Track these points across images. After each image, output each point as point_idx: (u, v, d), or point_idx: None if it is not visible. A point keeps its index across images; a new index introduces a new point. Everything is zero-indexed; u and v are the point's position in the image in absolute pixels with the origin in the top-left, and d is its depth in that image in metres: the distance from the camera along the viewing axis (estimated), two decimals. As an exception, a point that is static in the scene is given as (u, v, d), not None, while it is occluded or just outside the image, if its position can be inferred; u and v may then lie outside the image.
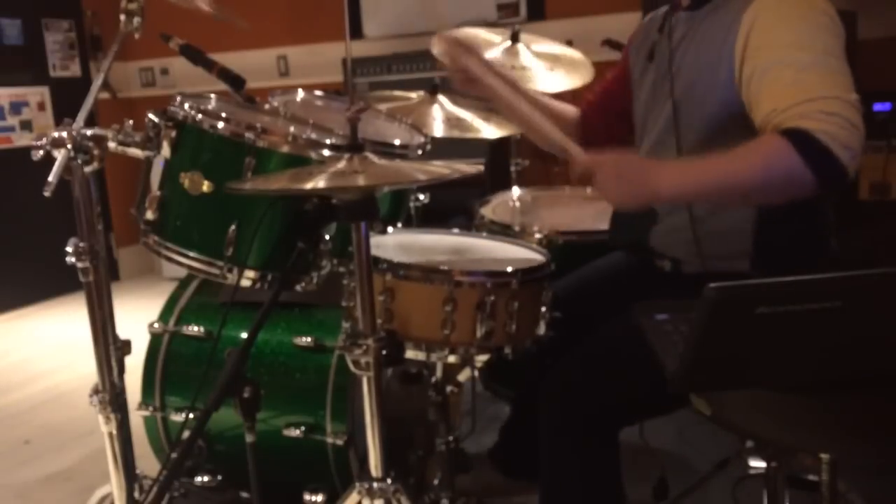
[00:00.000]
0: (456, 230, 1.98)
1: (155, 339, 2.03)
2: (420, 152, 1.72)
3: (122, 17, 1.55)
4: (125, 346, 1.62)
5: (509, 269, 1.56)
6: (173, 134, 1.49)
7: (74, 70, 4.80)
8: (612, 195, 1.37)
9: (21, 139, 4.47)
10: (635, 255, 1.70)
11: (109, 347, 1.58)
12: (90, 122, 1.51)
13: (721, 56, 1.43)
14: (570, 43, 2.57)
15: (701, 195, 1.39)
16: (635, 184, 1.33)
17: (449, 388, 1.83)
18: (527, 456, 1.61)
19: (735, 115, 1.41)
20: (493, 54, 2.24)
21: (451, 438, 1.84)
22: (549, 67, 2.34)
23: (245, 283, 1.51)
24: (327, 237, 1.51)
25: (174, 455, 1.64)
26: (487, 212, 2.39)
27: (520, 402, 2.12)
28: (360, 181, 1.27)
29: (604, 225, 2.15)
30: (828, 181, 1.25)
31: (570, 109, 1.90)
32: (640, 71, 1.69)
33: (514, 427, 2.14)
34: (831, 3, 1.38)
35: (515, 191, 2.69)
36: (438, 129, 2.23)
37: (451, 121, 2.28)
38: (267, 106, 1.76)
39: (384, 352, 1.40)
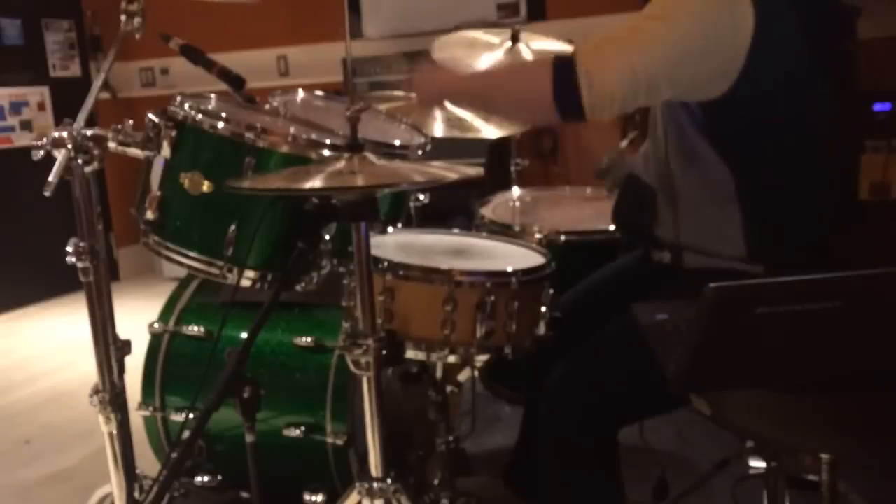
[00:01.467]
0: (456, 230, 1.98)
1: (155, 339, 2.03)
2: (420, 152, 1.72)
3: (123, 17, 1.55)
4: (125, 346, 1.62)
5: (509, 269, 1.56)
6: (173, 134, 1.49)
7: (74, 70, 4.80)
8: (418, 93, 1.67)
9: (21, 139, 4.47)
10: (638, 244, 1.70)
11: (109, 347, 1.58)
12: (90, 122, 1.51)
13: None
14: (570, 43, 2.57)
15: (471, 97, 1.60)
16: (436, 85, 1.63)
17: (449, 388, 1.83)
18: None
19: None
20: (493, 56, 2.24)
21: (451, 438, 1.84)
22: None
23: (245, 283, 1.51)
24: (327, 237, 1.50)
25: (174, 455, 1.64)
26: (487, 212, 2.39)
27: (527, 420, 2.08)
28: (360, 181, 1.27)
29: (604, 225, 2.16)
30: (562, 110, 1.36)
31: None
32: None
33: (525, 446, 2.10)
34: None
35: (515, 191, 2.69)
36: (438, 129, 2.23)
37: (451, 121, 2.28)
38: (267, 106, 1.76)
39: (384, 352, 1.40)
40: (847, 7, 1.54)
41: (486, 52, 2.22)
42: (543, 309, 1.61)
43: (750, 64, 1.35)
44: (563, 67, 1.35)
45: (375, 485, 1.45)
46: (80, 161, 1.47)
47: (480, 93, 1.55)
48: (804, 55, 1.43)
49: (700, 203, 1.50)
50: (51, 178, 1.40)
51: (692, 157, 1.48)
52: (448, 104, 2.01)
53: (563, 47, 2.48)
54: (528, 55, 2.37)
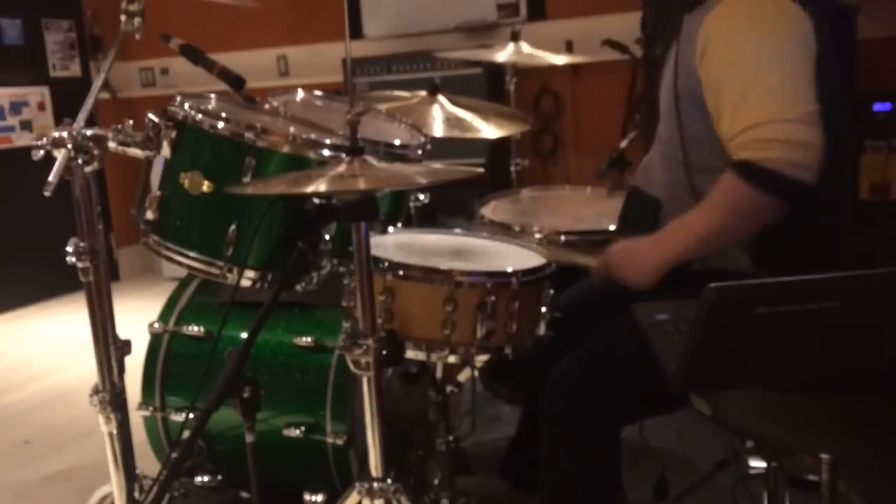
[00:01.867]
0: (456, 230, 1.98)
1: (155, 339, 2.03)
2: (420, 152, 1.72)
3: (123, 17, 1.55)
4: (125, 346, 1.62)
5: (509, 269, 1.56)
6: (173, 134, 1.49)
7: (74, 70, 4.80)
8: (632, 282, 1.48)
9: (21, 139, 4.47)
10: None
11: (109, 347, 1.58)
12: (90, 122, 1.51)
13: (689, 70, 1.48)
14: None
15: (692, 253, 1.48)
16: (640, 267, 1.48)
17: (449, 388, 1.83)
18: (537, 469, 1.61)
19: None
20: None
21: (451, 438, 1.84)
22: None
23: (245, 283, 1.51)
24: (327, 237, 1.50)
25: (174, 455, 1.64)
26: (487, 212, 2.39)
27: (525, 414, 2.09)
28: (360, 184, 1.27)
29: (604, 225, 2.15)
30: (788, 199, 1.33)
31: None
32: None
33: (522, 440, 2.12)
34: (791, 5, 1.39)
35: (515, 191, 2.69)
36: (438, 129, 2.23)
37: (451, 121, 2.28)
38: (267, 106, 1.76)
39: (384, 352, 1.40)
40: (846, 7, 1.54)
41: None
42: (543, 309, 1.61)
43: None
44: (746, 173, 1.32)
45: (375, 485, 1.45)
46: (80, 161, 1.47)
47: (692, 254, 1.48)
48: (833, 52, 1.44)
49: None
50: (51, 178, 1.40)
51: (705, 164, 1.48)
52: None
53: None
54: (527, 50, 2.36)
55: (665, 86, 1.61)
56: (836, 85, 1.45)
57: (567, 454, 1.51)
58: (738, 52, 1.39)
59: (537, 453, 1.56)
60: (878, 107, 2.92)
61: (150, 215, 1.52)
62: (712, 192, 1.39)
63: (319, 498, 1.81)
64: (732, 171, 1.34)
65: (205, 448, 1.93)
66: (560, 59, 2.85)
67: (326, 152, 1.47)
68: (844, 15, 1.55)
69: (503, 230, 2.17)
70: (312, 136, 1.51)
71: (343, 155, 1.35)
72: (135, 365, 1.81)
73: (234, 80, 1.68)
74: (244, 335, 1.64)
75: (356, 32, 4.22)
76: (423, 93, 2.36)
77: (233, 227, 1.46)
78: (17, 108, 4.49)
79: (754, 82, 1.35)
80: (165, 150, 1.51)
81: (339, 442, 1.82)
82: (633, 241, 1.52)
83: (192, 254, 1.50)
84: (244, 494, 1.96)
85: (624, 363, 1.46)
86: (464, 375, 2.09)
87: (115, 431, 1.60)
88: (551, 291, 1.62)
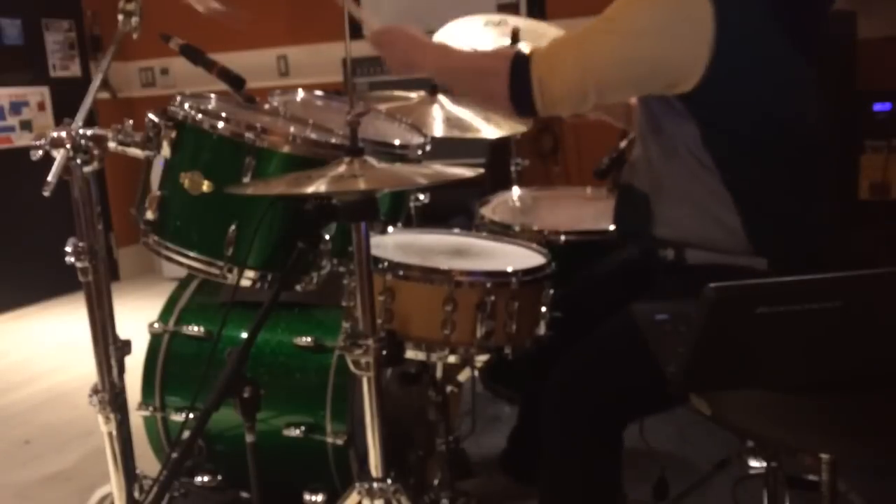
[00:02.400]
0: (456, 230, 1.98)
1: (155, 339, 2.03)
2: (420, 152, 1.72)
3: (120, 17, 1.55)
4: (125, 346, 1.62)
5: (509, 269, 1.56)
6: (173, 134, 1.49)
7: (74, 70, 4.80)
8: (389, 61, 1.71)
9: (21, 139, 4.47)
10: (639, 246, 1.70)
11: (109, 347, 1.58)
12: (90, 122, 1.51)
13: None
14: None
15: (436, 74, 1.71)
16: (405, 55, 1.69)
17: (449, 388, 1.83)
18: (536, 461, 1.61)
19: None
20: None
21: (451, 438, 1.84)
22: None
23: (245, 283, 1.51)
24: (327, 237, 1.50)
25: (174, 455, 1.64)
26: (487, 212, 2.39)
27: (524, 407, 2.10)
28: (361, 185, 1.27)
29: (604, 225, 2.15)
30: (515, 104, 1.47)
31: None
32: None
33: (522, 432, 2.13)
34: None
35: (515, 191, 2.69)
36: (438, 129, 2.23)
37: (451, 121, 2.28)
38: (267, 106, 1.76)
39: (384, 352, 1.40)
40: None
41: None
42: (543, 309, 1.61)
43: (716, 57, 1.36)
44: (518, 71, 1.45)
45: (375, 485, 1.45)
46: (78, 161, 1.47)
47: (440, 75, 1.67)
48: (777, 37, 1.44)
49: (694, 196, 1.50)
50: (50, 178, 1.40)
51: (673, 150, 1.49)
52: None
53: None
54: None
55: None
56: (772, 53, 1.44)
57: (567, 454, 1.51)
58: (616, 6, 1.44)
59: (536, 446, 1.56)
60: (878, 107, 2.92)
61: (150, 215, 1.52)
62: (491, 51, 1.59)
63: (319, 498, 1.81)
64: (515, 59, 1.46)
65: (205, 448, 1.93)
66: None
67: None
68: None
69: (503, 230, 2.17)
70: (312, 135, 1.51)
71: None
72: (135, 365, 1.81)
73: (234, 80, 1.68)
74: (244, 335, 1.64)
75: (356, 32, 4.22)
76: (423, 93, 2.36)
77: (233, 227, 1.46)
78: (17, 108, 4.49)
79: (598, 25, 1.43)
80: (165, 150, 1.50)
81: (339, 442, 1.82)
82: (409, 32, 1.71)
83: (192, 254, 1.50)
84: (244, 494, 1.96)
85: (623, 362, 1.46)
86: (464, 375, 2.09)
87: (114, 431, 1.60)
88: (551, 291, 1.62)
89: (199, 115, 1.48)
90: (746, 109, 1.44)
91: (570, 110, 1.50)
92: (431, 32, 1.76)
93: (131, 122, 1.55)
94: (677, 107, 1.45)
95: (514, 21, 2.29)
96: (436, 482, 1.87)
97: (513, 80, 1.46)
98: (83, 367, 3.25)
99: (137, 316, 2.19)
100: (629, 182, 1.65)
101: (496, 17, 2.29)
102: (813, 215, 1.52)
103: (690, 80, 1.39)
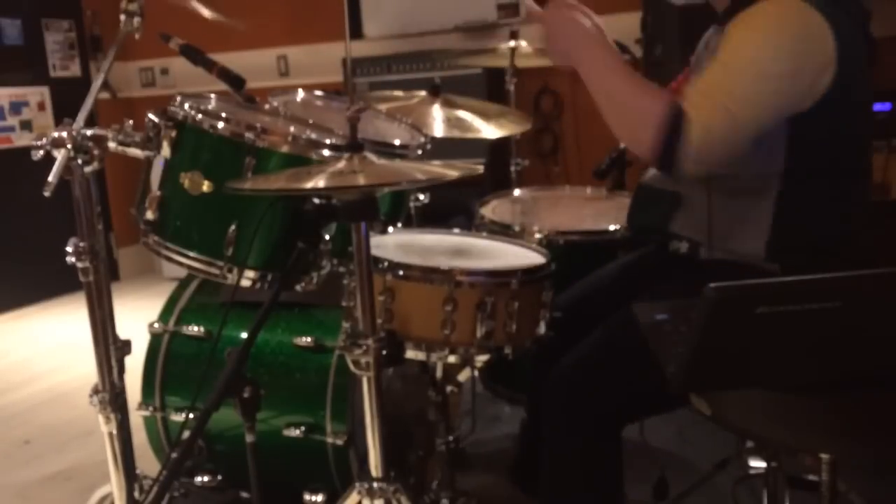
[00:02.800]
0: (456, 230, 1.98)
1: (155, 339, 2.03)
2: (420, 152, 1.72)
3: (122, 17, 1.55)
4: (125, 346, 1.61)
5: (509, 269, 1.56)
6: (173, 134, 1.49)
7: (74, 70, 4.80)
8: (548, 41, 1.54)
9: (21, 139, 4.47)
10: (652, 240, 1.69)
11: (109, 347, 1.58)
12: (90, 122, 1.51)
13: None
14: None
15: (588, 81, 1.50)
16: (569, 48, 1.53)
17: (449, 388, 1.83)
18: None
19: None
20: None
21: (451, 438, 1.84)
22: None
23: (245, 283, 1.51)
24: (327, 237, 1.50)
25: (174, 455, 1.64)
26: (487, 212, 2.39)
27: (529, 417, 2.08)
28: (360, 181, 1.27)
29: (604, 225, 2.15)
30: (661, 156, 1.36)
31: None
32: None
33: (529, 444, 2.10)
34: (814, 19, 1.37)
35: (515, 191, 2.69)
36: (438, 129, 2.23)
37: (451, 121, 2.28)
38: (267, 106, 1.76)
39: (384, 352, 1.40)
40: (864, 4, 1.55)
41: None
42: (543, 309, 1.61)
43: (838, 73, 1.37)
44: (673, 129, 1.34)
45: (375, 485, 1.45)
46: (79, 161, 1.46)
47: (592, 86, 1.49)
48: (863, 57, 1.46)
49: (737, 193, 1.49)
50: (50, 178, 1.40)
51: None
52: None
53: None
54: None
55: None
56: (862, 93, 1.46)
57: (567, 454, 1.51)
58: (740, 39, 1.40)
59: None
60: (878, 107, 2.92)
61: (150, 215, 1.52)
62: (650, 89, 1.42)
63: (319, 498, 1.81)
64: (671, 98, 1.37)
65: (205, 448, 1.93)
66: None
67: (327, 152, 1.47)
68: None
69: (503, 230, 2.17)
70: (312, 135, 1.51)
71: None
72: (135, 365, 1.81)
73: (234, 80, 1.68)
74: (244, 335, 1.64)
75: (356, 32, 4.22)
76: (423, 93, 2.37)
77: (233, 227, 1.46)
78: (17, 108, 4.49)
79: (735, 65, 1.37)
80: (165, 150, 1.50)
81: (339, 442, 1.82)
82: (579, 25, 1.55)
83: (192, 254, 1.50)
84: (244, 494, 1.96)
85: (624, 363, 1.46)
86: (464, 375, 2.09)
87: (114, 431, 1.59)
88: (551, 291, 1.62)
89: (199, 115, 1.48)
90: (843, 126, 1.44)
91: (723, 158, 1.39)
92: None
93: (131, 122, 1.54)
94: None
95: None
96: (436, 482, 1.87)
97: (665, 140, 1.35)
98: (83, 367, 3.25)
99: (137, 316, 2.19)
100: (650, 183, 1.65)
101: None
102: (838, 229, 1.53)
103: (809, 101, 1.38)
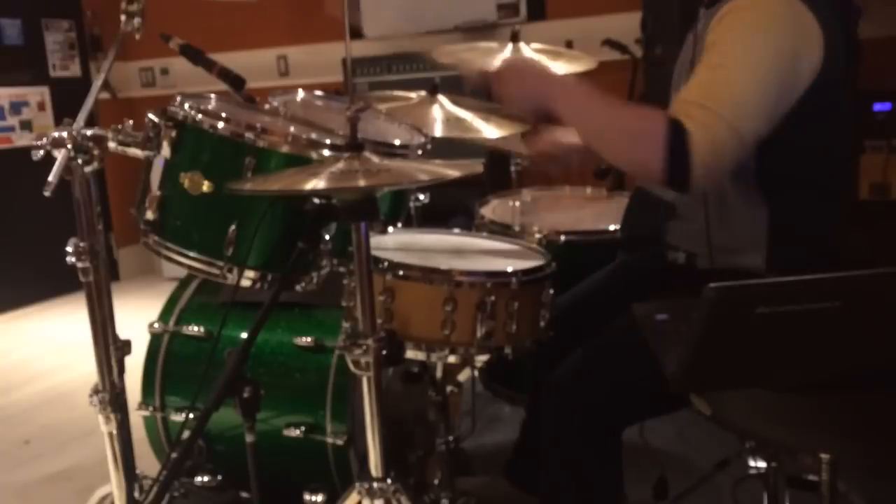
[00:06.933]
0: (456, 230, 1.98)
1: (155, 339, 2.03)
2: (420, 152, 1.72)
3: (123, 17, 1.55)
4: (125, 346, 1.61)
5: (509, 269, 1.56)
6: (173, 134, 1.49)
7: (74, 70, 4.80)
8: (510, 95, 1.49)
9: (21, 139, 4.47)
10: (647, 250, 1.69)
11: (109, 347, 1.58)
12: (90, 122, 1.51)
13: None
14: (569, 43, 2.57)
15: (566, 121, 1.47)
16: (536, 86, 1.48)
17: (449, 388, 1.83)
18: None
19: None
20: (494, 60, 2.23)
21: (451, 438, 1.84)
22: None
23: (245, 283, 1.51)
24: (327, 237, 1.50)
25: (174, 455, 1.64)
26: (487, 212, 2.39)
27: (530, 416, 2.08)
28: (361, 181, 1.27)
29: (604, 225, 2.15)
30: (671, 175, 1.30)
31: None
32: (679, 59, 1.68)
33: (527, 441, 2.11)
34: (804, 18, 1.36)
35: (515, 191, 2.69)
36: (438, 129, 2.23)
37: (451, 121, 2.28)
38: (267, 106, 1.76)
39: (384, 352, 1.40)
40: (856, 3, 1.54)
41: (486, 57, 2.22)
42: (543, 309, 1.61)
43: (823, 66, 1.36)
44: (676, 148, 1.29)
45: (375, 485, 1.45)
46: (79, 161, 1.46)
47: (576, 122, 1.44)
48: (844, 57, 1.44)
49: (734, 205, 1.49)
50: (51, 178, 1.40)
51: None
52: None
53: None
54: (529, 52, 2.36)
55: (676, 83, 1.60)
56: (843, 95, 1.45)
57: (567, 455, 1.51)
58: (732, 39, 1.37)
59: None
60: (878, 107, 2.92)
61: (150, 215, 1.52)
62: (638, 110, 1.37)
63: (319, 498, 1.81)
64: (667, 116, 1.31)
65: (205, 448, 1.93)
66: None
67: (327, 152, 1.47)
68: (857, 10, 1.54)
69: (503, 230, 2.17)
70: (312, 136, 1.51)
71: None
72: (135, 365, 1.81)
73: (234, 80, 1.68)
74: (244, 335, 1.64)
75: (356, 32, 4.22)
76: (423, 93, 2.36)
77: (233, 227, 1.46)
78: (17, 108, 4.49)
79: (729, 68, 1.34)
80: (165, 150, 1.50)
81: (339, 442, 1.82)
82: (535, 66, 1.51)
83: (192, 254, 1.50)
84: (244, 494, 1.96)
85: (624, 364, 1.46)
86: (464, 375, 2.09)
87: (115, 431, 1.59)
88: (551, 291, 1.62)
89: (199, 115, 1.48)
90: (809, 128, 1.42)
91: (730, 163, 1.35)
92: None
93: (131, 122, 1.55)
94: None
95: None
96: (436, 482, 1.87)
97: (673, 161, 1.30)
98: (83, 367, 3.25)
99: (137, 316, 2.19)
100: (647, 188, 1.64)
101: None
102: (831, 232, 1.52)
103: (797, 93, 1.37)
